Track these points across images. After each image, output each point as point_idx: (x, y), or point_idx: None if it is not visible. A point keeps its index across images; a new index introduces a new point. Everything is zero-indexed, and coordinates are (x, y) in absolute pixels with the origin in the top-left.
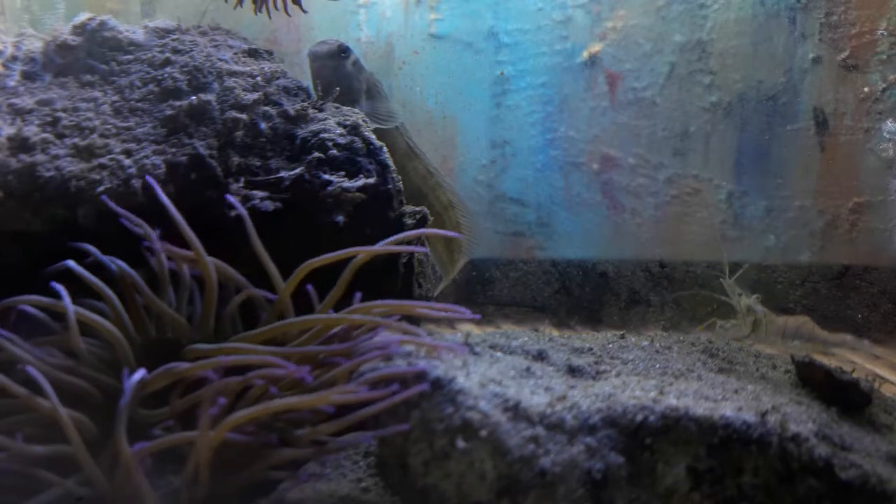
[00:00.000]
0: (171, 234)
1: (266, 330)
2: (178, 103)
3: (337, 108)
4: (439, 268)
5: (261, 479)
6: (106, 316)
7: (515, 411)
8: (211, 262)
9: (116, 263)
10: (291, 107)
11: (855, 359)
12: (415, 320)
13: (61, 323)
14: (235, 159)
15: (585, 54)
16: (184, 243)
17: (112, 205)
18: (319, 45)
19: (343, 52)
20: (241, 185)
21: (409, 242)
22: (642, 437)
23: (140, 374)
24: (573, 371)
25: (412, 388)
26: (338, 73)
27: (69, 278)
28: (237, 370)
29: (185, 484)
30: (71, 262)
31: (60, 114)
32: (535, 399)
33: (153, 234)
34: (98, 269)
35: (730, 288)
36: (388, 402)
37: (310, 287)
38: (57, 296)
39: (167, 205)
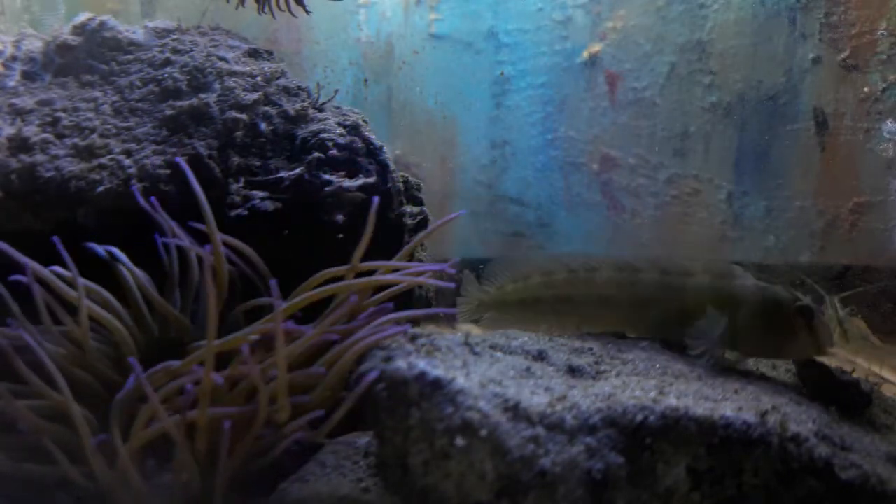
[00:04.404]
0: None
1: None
2: (178, 103)
3: (337, 108)
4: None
5: (257, 466)
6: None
7: (515, 411)
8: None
9: (126, 265)
10: (291, 107)
11: (856, 359)
12: (415, 321)
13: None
14: (235, 159)
15: (585, 54)
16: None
17: (141, 200)
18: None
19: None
20: (240, 185)
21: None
22: (642, 437)
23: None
24: (573, 371)
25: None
26: None
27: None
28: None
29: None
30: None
31: (60, 114)
32: (535, 399)
33: (180, 231)
34: (96, 269)
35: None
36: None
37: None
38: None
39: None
